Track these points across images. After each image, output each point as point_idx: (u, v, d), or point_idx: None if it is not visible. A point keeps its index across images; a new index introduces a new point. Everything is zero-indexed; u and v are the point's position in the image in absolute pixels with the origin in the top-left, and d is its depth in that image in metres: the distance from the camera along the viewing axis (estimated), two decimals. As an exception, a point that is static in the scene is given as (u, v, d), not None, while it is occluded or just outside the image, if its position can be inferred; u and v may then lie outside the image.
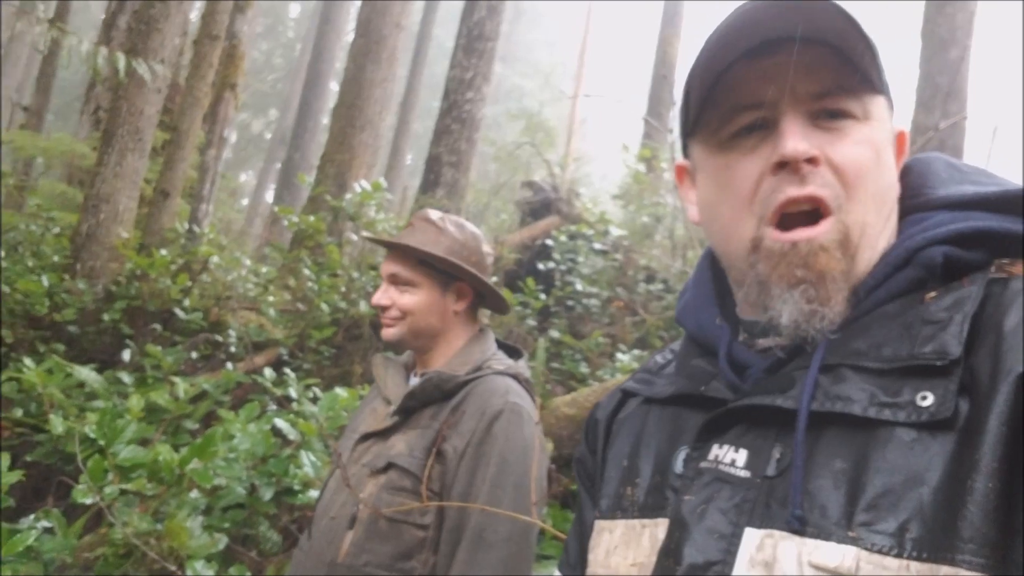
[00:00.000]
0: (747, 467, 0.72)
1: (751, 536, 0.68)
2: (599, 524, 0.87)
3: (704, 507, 0.72)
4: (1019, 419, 0.59)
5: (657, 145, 7.45)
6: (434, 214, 1.79)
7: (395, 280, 1.73)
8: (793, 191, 0.73)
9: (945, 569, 0.57)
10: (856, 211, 0.74)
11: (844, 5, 0.76)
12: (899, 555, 0.60)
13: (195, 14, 7.90)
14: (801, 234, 0.73)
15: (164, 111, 6.81)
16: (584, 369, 4.76)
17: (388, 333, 1.73)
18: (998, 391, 0.61)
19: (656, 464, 0.83)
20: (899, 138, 0.83)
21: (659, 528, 0.78)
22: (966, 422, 0.62)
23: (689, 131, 0.84)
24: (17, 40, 16.58)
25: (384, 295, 1.74)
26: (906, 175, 0.84)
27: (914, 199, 0.81)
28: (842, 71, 0.74)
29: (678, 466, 0.80)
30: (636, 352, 4.79)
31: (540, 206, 6.51)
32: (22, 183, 8.08)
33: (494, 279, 5.62)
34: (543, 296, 5.32)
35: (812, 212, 0.74)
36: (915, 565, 0.59)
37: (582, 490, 0.99)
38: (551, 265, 5.81)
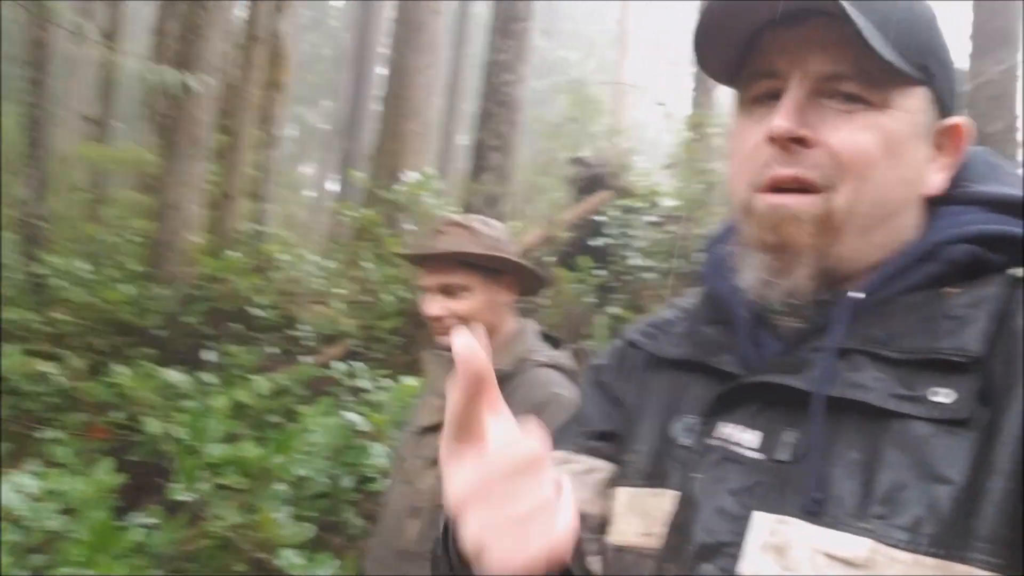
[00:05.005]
0: (760, 449, 0.71)
1: (762, 520, 0.67)
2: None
3: (714, 487, 0.72)
4: None
5: (706, 111, 7.32)
6: (457, 217, 1.83)
7: (446, 290, 1.71)
8: (781, 170, 0.73)
9: (959, 567, 0.58)
10: (846, 195, 0.71)
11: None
12: (913, 550, 0.60)
13: (238, 14, 8.06)
14: (780, 199, 0.73)
15: (220, 115, 7.03)
16: (646, 343, 4.77)
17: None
18: (1015, 392, 0.62)
19: (659, 431, 0.82)
20: (952, 131, 0.78)
21: (665, 499, 0.77)
22: (983, 422, 0.62)
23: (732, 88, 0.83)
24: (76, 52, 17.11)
25: (436, 305, 1.71)
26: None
27: (952, 190, 0.78)
28: (864, 55, 0.69)
29: (680, 436, 0.79)
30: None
31: (590, 182, 6.49)
32: (96, 196, 8.47)
33: (552, 259, 5.66)
34: (600, 272, 5.34)
35: (802, 189, 0.73)
36: (929, 561, 0.59)
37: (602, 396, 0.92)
38: (606, 241, 5.81)
